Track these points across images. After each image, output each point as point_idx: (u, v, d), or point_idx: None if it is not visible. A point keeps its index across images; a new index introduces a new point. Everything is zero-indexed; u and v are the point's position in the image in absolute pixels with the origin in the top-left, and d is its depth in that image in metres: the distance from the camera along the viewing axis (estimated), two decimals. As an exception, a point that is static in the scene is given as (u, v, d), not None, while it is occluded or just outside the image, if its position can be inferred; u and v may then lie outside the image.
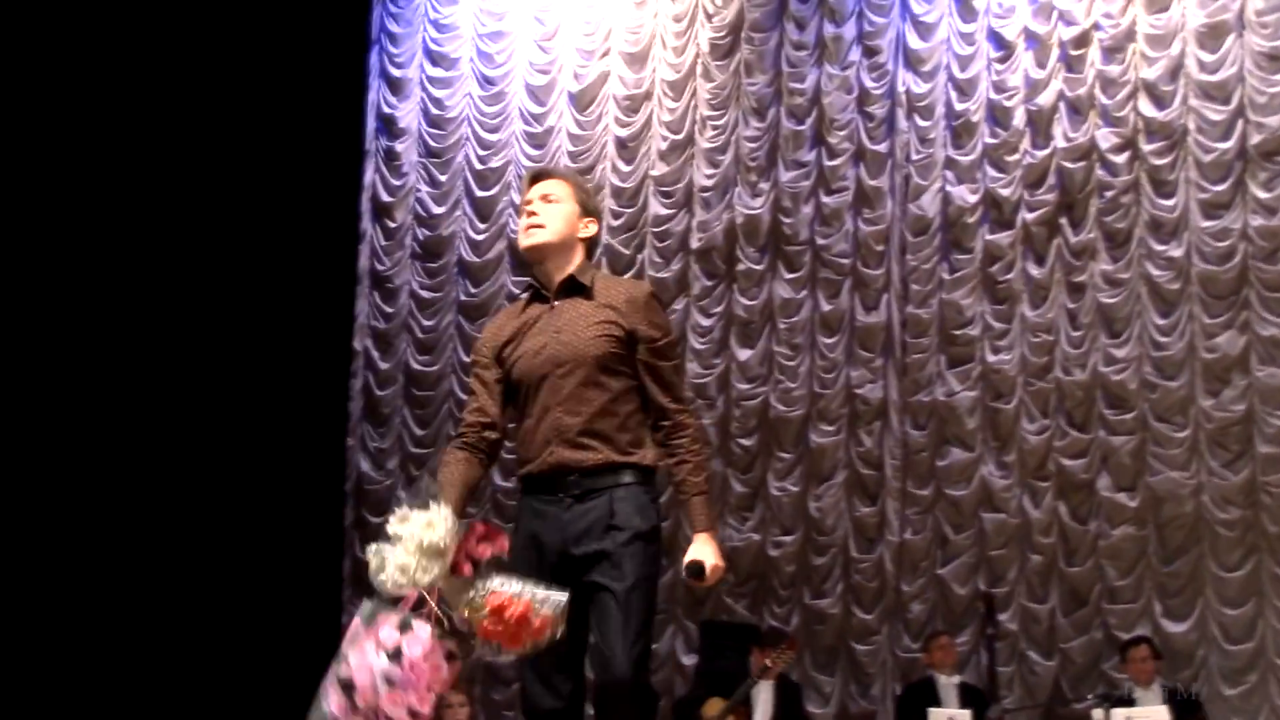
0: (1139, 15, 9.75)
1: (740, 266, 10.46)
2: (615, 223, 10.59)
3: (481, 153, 11.17)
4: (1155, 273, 9.55)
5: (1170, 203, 9.58)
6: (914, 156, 10.17)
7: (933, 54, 10.25)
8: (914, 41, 10.29)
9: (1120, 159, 9.72)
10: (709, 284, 10.54)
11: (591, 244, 3.99)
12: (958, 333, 9.93)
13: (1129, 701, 8.05)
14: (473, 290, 11.05)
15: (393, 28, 11.57)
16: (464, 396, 10.42)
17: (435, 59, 11.43)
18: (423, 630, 3.43)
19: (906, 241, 10.10)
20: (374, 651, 3.38)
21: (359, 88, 11.40)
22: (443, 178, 11.25)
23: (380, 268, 11.28)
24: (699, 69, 10.75)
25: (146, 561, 9.30)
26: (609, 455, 3.74)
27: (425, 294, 11.17)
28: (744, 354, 10.35)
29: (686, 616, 10.09)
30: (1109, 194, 9.71)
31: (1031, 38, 9.98)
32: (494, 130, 11.19)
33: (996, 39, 10.09)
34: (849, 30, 10.43)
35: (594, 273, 3.93)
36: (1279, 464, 9.07)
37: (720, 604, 9.99)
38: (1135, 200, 9.66)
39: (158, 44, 9.65)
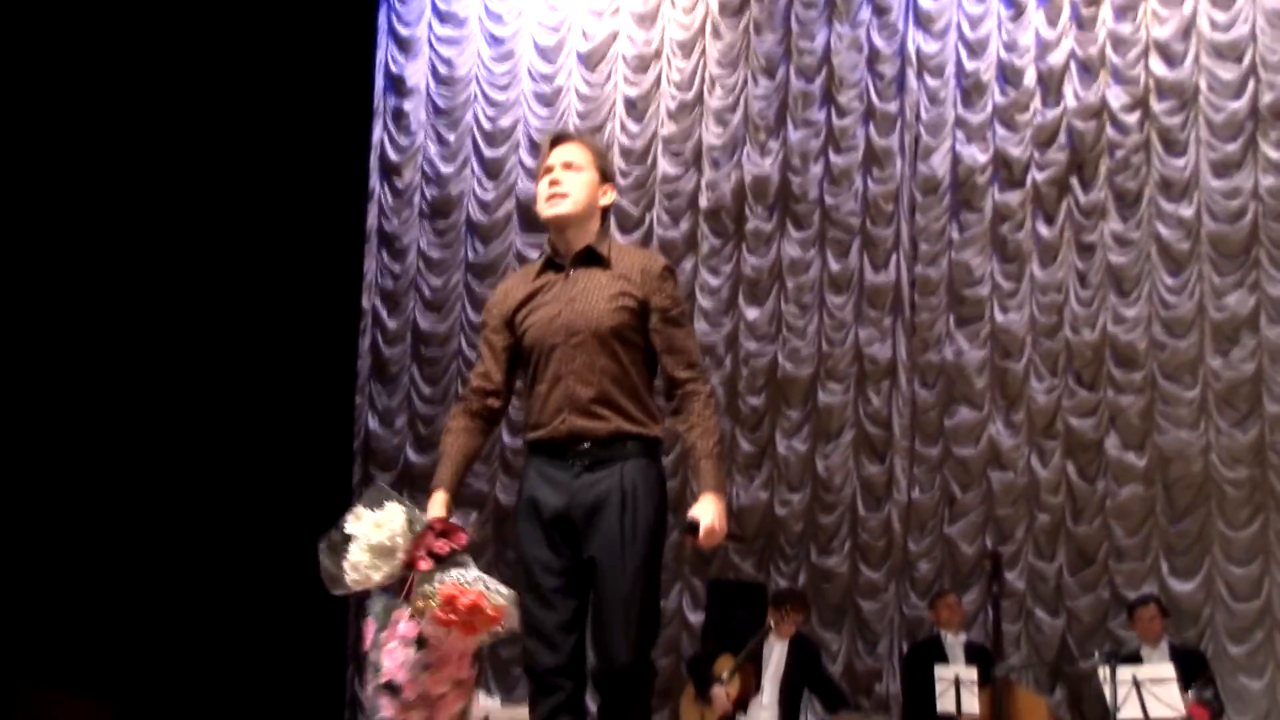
0: (1151, -27, 9.71)
1: (749, 226, 10.45)
2: (624, 182, 10.56)
3: (490, 112, 11.14)
4: (1165, 232, 9.53)
5: (1181, 162, 9.56)
6: (924, 116, 10.14)
7: (943, 12, 10.20)
8: (924, 0, 10.25)
9: (1131, 118, 9.70)
10: (717, 243, 10.53)
11: (608, 211, 4.02)
12: (967, 292, 9.92)
13: (1136, 659, 8.09)
14: (480, 249, 11.04)
15: (401, -14, 11.53)
16: (470, 355, 10.55)
17: (444, 17, 11.36)
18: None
19: (916, 201, 10.09)
20: (402, 648, 3.53)
21: (367, 46, 11.33)
22: (451, 137, 11.22)
23: (388, 227, 11.27)
24: (708, 28, 10.70)
25: (157, 521, 9.36)
26: (620, 425, 3.77)
27: (433, 253, 11.15)
28: (752, 313, 10.35)
29: (694, 574, 10.14)
30: (1119, 153, 9.68)
31: (1042, -4, 9.96)
32: (503, 89, 11.14)
33: (1007, -3, 10.06)
34: (859, -12, 10.40)
35: (610, 242, 3.95)
36: (1287, 424, 9.10)
37: (727, 562, 10.03)
38: (1146, 160, 9.63)
39: (165, 6, 9.61)
